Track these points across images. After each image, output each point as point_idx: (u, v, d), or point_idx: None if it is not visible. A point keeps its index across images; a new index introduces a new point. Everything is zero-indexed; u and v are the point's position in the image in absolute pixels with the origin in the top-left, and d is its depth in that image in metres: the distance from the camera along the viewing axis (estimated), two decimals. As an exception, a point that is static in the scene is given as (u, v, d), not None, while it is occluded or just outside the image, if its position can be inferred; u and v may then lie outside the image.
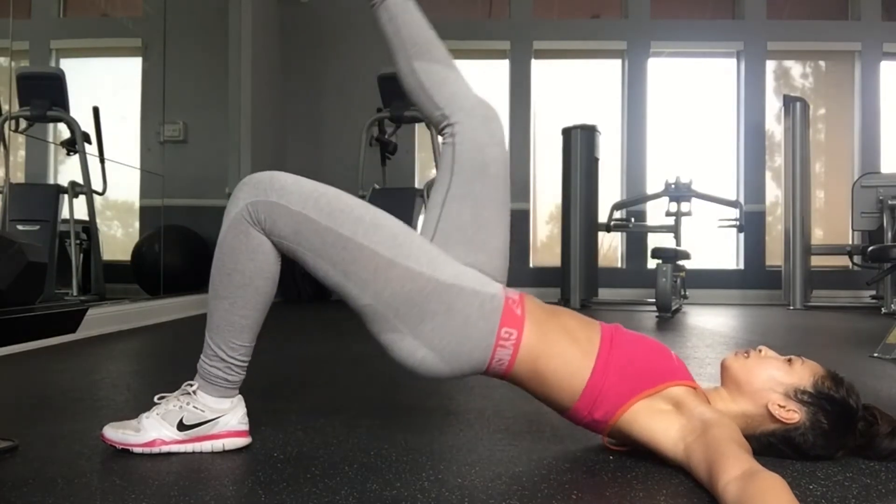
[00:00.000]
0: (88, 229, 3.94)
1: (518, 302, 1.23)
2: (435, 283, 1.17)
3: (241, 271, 1.20)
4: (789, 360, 1.21)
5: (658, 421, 1.14)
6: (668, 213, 5.97)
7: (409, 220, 4.56)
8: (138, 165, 4.68)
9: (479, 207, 1.28)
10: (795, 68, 6.96)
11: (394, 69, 1.37)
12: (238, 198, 1.20)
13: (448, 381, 1.22)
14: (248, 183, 1.20)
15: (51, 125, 3.82)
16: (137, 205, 4.85)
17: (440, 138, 1.35)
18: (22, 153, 3.84)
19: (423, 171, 6.67)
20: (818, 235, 6.68)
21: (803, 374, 1.18)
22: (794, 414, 1.15)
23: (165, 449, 1.22)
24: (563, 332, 1.21)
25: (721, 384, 1.25)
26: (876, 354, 2.61)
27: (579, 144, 5.65)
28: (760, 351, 1.24)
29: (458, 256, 1.24)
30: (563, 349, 1.19)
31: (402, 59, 1.34)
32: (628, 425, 1.16)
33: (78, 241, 3.81)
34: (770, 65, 6.79)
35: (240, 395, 1.28)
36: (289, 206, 1.17)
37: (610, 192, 6.45)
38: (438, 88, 1.33)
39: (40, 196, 3.70)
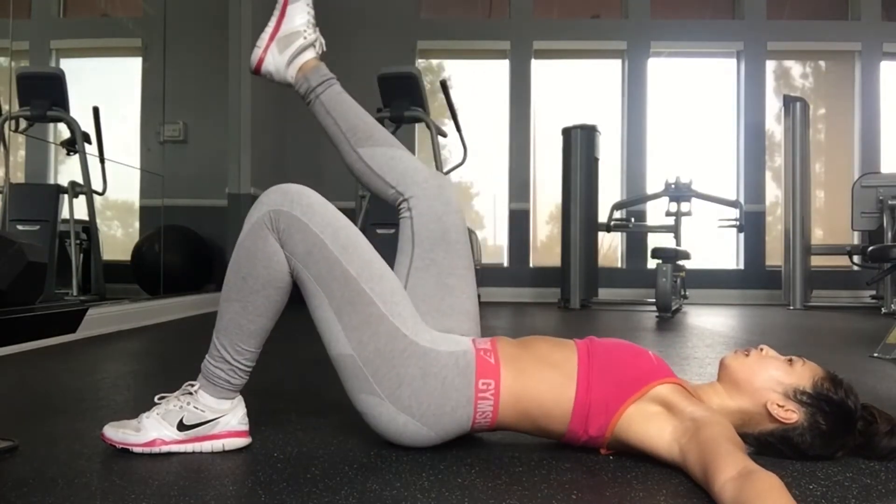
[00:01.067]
0: (88, 229, 3.94)
1: (490, 350, 1.24)
2: (414, 347, 1.19)
3: (255, 276, 1.21)
4: (790, 361, 1.21)
5: (651, 425, 1.14)
6: (668, 213, 5.98)
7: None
8: (138, 165, 4.67)
9: (443, 275, 1.31)
10: (795, 68, 6.96)
11: (340, 156, 1.42)
12: (263, 202, 1.20)
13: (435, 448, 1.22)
14: (276, 190, 1.21)
15: (51, 125, 3.82)
16: (137, 205, 4.85)
17: (398, 214, 1.37)
18: (22, 153, 3.84)
19: (423, 171, 6.66)
20: (818, 235, 6.68)
21: (803, 374, 1.18)
22: (792, 414, 1.16)
23: (165, 449, 1.22)
24: (539, 361, 1.22)
25: (717, 381, 1.26)
26: (876, 354, 2.61)
27: (579, 144, 5.65)
28: (762, 350, 1.24)
29: (428, 325, 1.26)
30: (544, 379, 1.20)
31: (346, 148, 1.39)
32: (623, 434, 1.17)
33: (78, 241, 3.81)
34: (770, 65, 6.79)
35: (240, 396, 1.29)
36: (309, 225, 1.18)
37: (610, 192, 6.45)
38: (387, 169, 1.36)
39: (40, 196, 3.70)
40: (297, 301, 1.27)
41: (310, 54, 1.39)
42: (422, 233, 1.32)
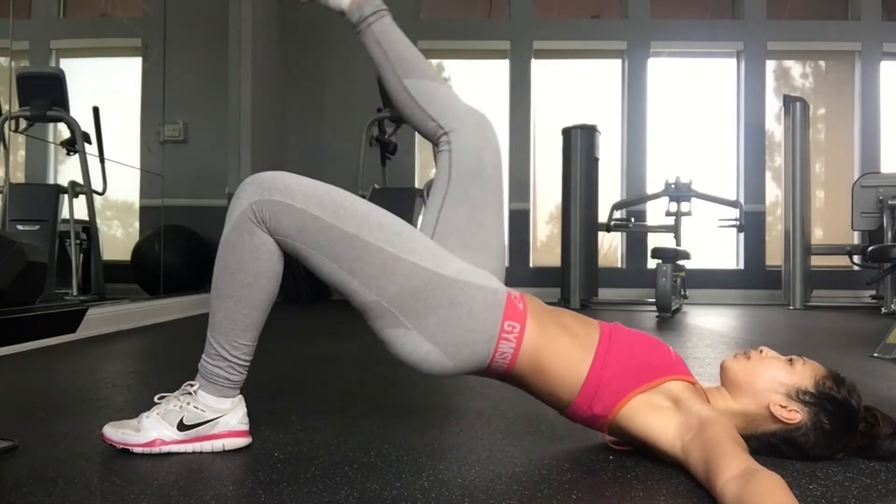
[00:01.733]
0: (88, 229, 3.94)
1: (520, 298, 1.25)
2: (439, 279, 1.18)
3: (244, 270, 1.21)
4: (790, 361, 1.21)
5: (656, 417, 1.14)
6: (668, 213, 5.97)
7: (410, 219, 4.56)
8: (138, 165, 4.67)
9: (475, 210, 1.30)
10: (795, 68, 6.96)
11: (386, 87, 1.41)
12: (241, 197, 1.20)
13: (451, 378, 1.23)
14: (251, 182, 1.21)
15: (51, 125, 3.82)
16: (137, 205, 4.86)
17: (436, 147, 1.38)
18: (22, 153, 3.84)
19: (423, 171, 6.67)
20: (818, 235, 6.68)
21: (804, 374, 1.18)
22: (795, 414, 1.15)
23: (165, 449, 1.22)
24: (563, 328, 1.22)
25: (721, 384, 1.25)
26: (876, 354, 2.61)
27: (579, 144, 5.65)
28: (761, 351, 1.24)
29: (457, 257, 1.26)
30: (563, 344, 1.20)
31: (392, 79, 1.38)
32: (627, 420, 1.16)
33: (78, 241, 3.81)
34: (770, 65, 6.79)
35: (240, 396, 1.28)
36: (293, 205, 1.17)
37: (610, 192, 6.45)
38: (430, 102, 1.36)
39: (40, 196, 3.70)
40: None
41: None
42: (459, 167, 1.32)
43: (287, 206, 1.17)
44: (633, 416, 1.16)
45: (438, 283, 1.18)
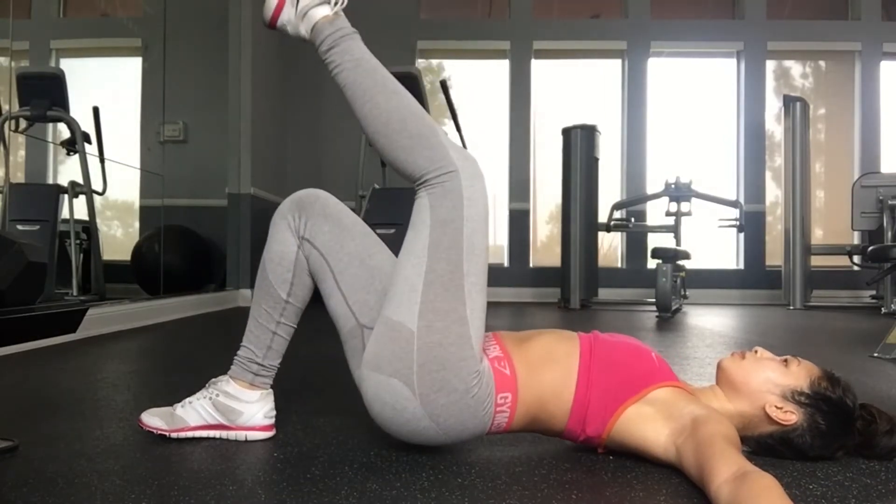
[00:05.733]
0: (88, 229, 3.94)
1: (503, 358, 1.20)
2: (473, 364, 1.13)
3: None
4: (785, 361, 1.20)
5: (648, 427, 1.14)
6: (668, 213, 5.97)
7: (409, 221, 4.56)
8: (138, 165, 4.67)
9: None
10: (795, 68, 6.96)
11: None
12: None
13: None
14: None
15: (51, 125, 3.82)
16: (137, 205, 4.85)
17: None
18: (22, 153, 3.84)
19: (423, 171, 6.66)
20: (818, 235, 6.68)
21: (800, 374, 1.18)
22: (791, 415, 1.15)
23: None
24: (543, 356, 1.20)
25: (717, 384, 1.25)
26: (876, 354, 2.61)
27: (579, 144, 5.65)
28: (756, 352, 1.23)
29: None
30: (546, 376, 1.18)
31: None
32: (621, 436, 1.16)
33: (78, 241, 3.81)
34: (770, 65, 6.79)
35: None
36: (463, 209, 1.15)
37: (610, 192, 6.45)
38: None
39: (40, 196, 3.70)
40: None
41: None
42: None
43: (459, 206, 1.14)
44: (625, 430, 1.15)
45: (469, 369, 1.13)
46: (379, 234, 1.34)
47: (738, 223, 5.84)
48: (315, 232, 1.24)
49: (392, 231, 3.93)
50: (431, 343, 1.11)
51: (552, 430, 1.23)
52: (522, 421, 1.21)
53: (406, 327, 1.12)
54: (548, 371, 1.19)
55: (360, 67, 1.20)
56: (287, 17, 1.25)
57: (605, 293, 6.11)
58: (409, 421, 1.14)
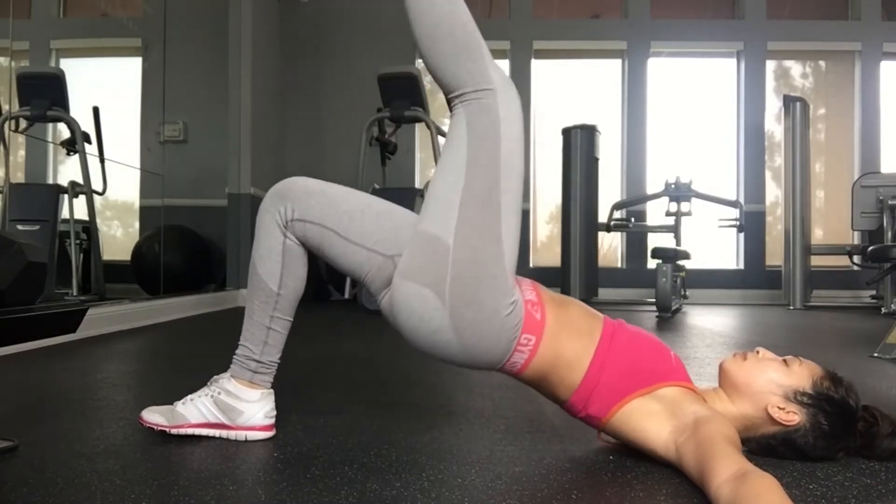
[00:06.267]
0: (88, 229, 3.94)
1: (537, 304, 1.21)
2: (504, 282, 1.15)
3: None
4: (787, 361, 1.20)
5: (651, 422, 1.14)
6: (668, 213, 5.98)
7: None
8: (138, 165, 4.67)
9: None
10: (795, 68, 6.96)
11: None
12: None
13: (453, 375, 1.23)
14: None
15: (51, 125, 3.82)
16: (137, 205, 4.85)
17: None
18: (22, 153, 3.84)
19: (423, 170, 6.67)
20: (818, 235, 6.68)
21: (802, 375, 1.17)
22: (794, 416, 1.15)
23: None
24: (570, 325, 1.21)
25: (719, 386, 1.25)
26: (876, 354, 2.61)
27: (579, 144, 5.65)
28: (758, 352, 1.23)
29: None
30: (568, 346, 1.19)
31: None
32: (622, 424, 1.16)
33: (78, 241, 3.81)
34: (770, 65, 6.79)
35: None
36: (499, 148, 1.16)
37: (610, 192, 6.45)
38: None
39: (40, 196, 3.70)
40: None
41: None
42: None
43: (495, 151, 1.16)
44: (628, 420, 1.15)
45: (500, 286, 1.15)
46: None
47: (738, 223, 5.84)
48: (304, 209, 1.23)
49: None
50: (466, 258, 1.13)
51: (556, 397, 1.23)
52: (534, 373, 1.20)
53: (443, 241, 1.14)
54: (572, 338, 1.19)
55: None
56: None
57: (605, 293, 6.11)
58: (434, 332, 1.15)
